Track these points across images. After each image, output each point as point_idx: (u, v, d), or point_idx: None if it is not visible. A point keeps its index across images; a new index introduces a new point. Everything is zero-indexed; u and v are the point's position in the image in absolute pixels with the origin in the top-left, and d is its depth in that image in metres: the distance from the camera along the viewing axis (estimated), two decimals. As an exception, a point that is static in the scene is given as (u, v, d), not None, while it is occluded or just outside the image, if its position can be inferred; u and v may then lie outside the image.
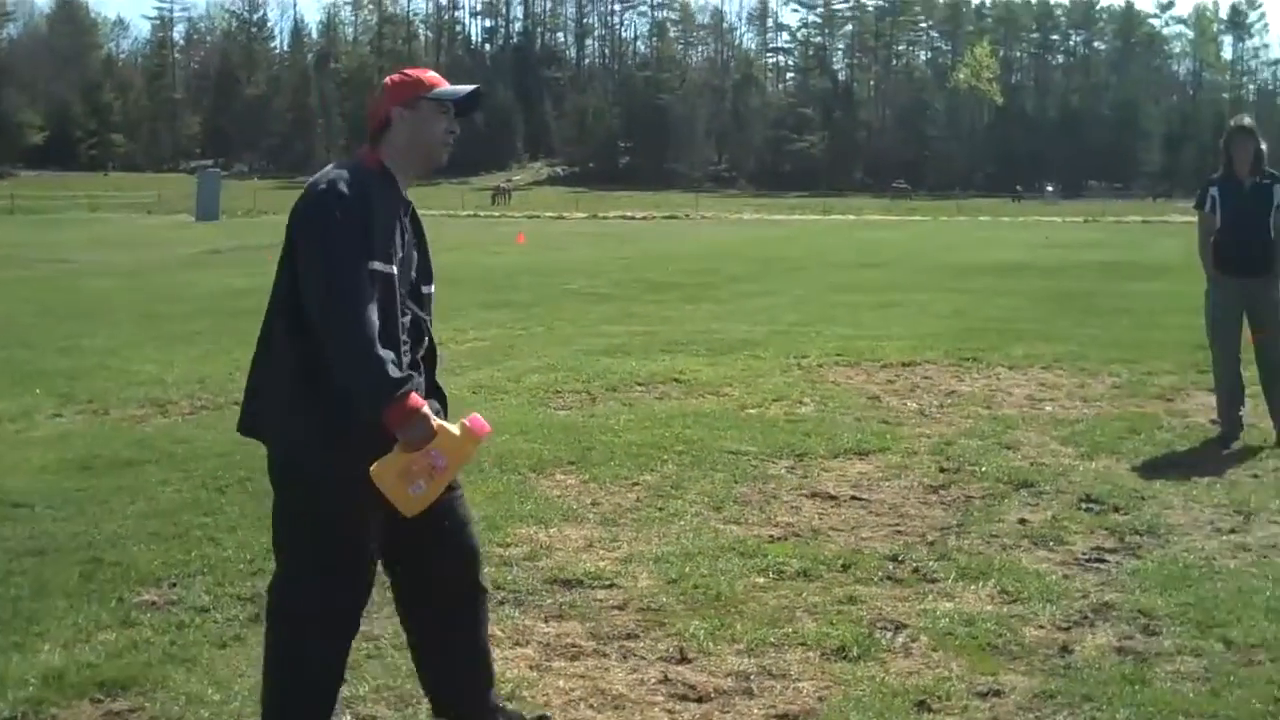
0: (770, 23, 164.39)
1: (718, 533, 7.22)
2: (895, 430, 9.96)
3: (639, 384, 12.24)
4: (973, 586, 6.29)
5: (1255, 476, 8.62)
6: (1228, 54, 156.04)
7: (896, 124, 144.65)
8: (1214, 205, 9.95)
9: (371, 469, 4.00)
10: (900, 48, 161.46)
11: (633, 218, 63.89)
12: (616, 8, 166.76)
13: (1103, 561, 6.76)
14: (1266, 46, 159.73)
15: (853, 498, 8.01)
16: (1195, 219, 10.33)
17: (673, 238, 46.51)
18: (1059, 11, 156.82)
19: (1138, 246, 38.23)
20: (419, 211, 4.42)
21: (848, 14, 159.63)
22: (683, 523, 7.41)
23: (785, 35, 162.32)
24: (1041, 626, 5.79)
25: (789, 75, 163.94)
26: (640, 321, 17.79)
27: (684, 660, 5.38)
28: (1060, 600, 6.11)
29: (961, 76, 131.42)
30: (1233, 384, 9.90)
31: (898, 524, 7.46)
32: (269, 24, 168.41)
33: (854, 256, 33.31)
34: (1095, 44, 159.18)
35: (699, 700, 5.00)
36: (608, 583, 6.36)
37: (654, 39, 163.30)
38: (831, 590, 6.21)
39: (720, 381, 12.28)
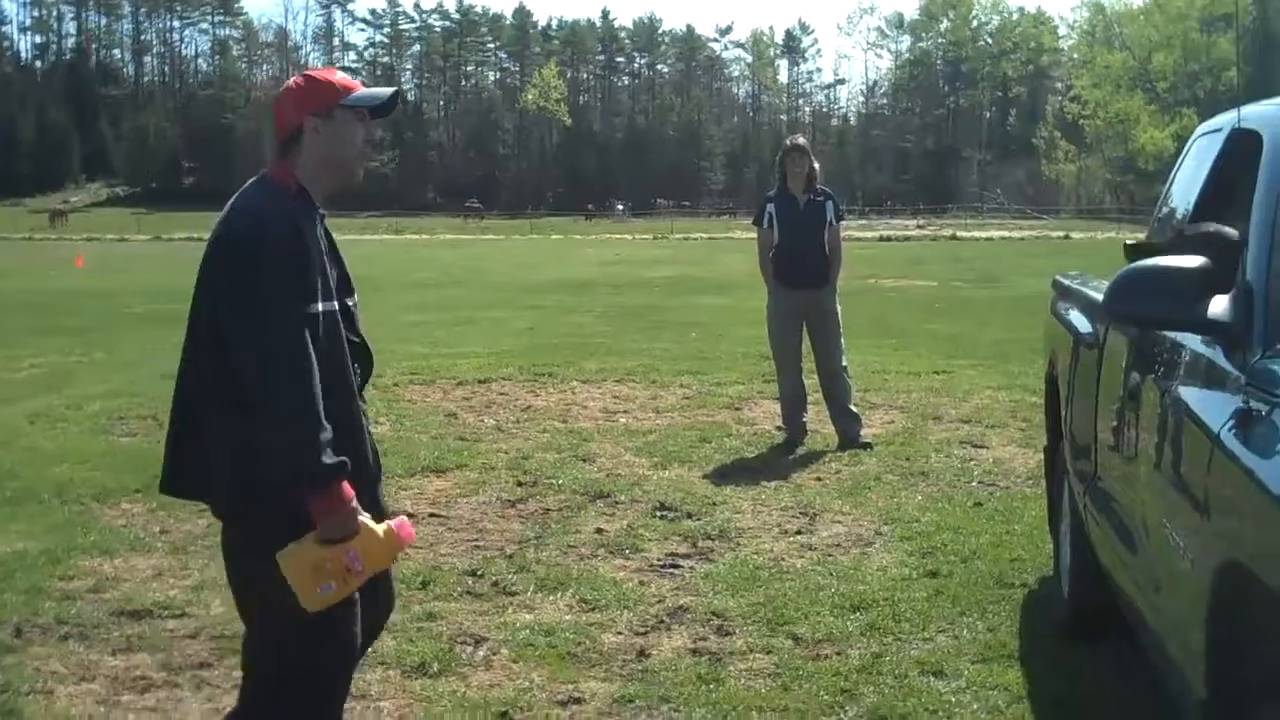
0: (337, 41, 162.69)
1: (292, 557, 7.08)
2: (473, 447, 10.00)
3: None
4: (551, 597, 6.38)
5: (819, 479, 9.04)
6: (784, 77, 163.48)
7: (467, 144, 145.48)
8: (771, 221, 10.39)
9: (279, 555, 3.58)
10: (469, 68, 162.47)
11: (199, 239, 61.80)
12: (176, 25, 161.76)
13: (677, 567, 6.96)
14: (819, 70, 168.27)
15: (431, 515, 8.00)
16: (755, 235, 10.77)
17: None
18: (623, 34, 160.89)
19: (704, 262, 39.66)
20: None
21: (415, 34, 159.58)
22: (256, 548, 7.23)
23: (352, 55, 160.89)
24: (620, 632, 5.92)
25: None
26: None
27: (261, 687, 5.26)
28: (637, 606, 6.26)
29: (530, 97, 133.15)
30: (795, 391, 10.37)
31: (476, 539, 7.49)
32: None
33: (428, 276, 33.31)
34: (659, 66, 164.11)
35: (278, 726, 4.89)
36: (179, 612, 6.16)
37: (216, 57, 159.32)
38: (411, 608, 6.17)
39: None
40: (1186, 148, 5.60)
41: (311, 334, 3.61)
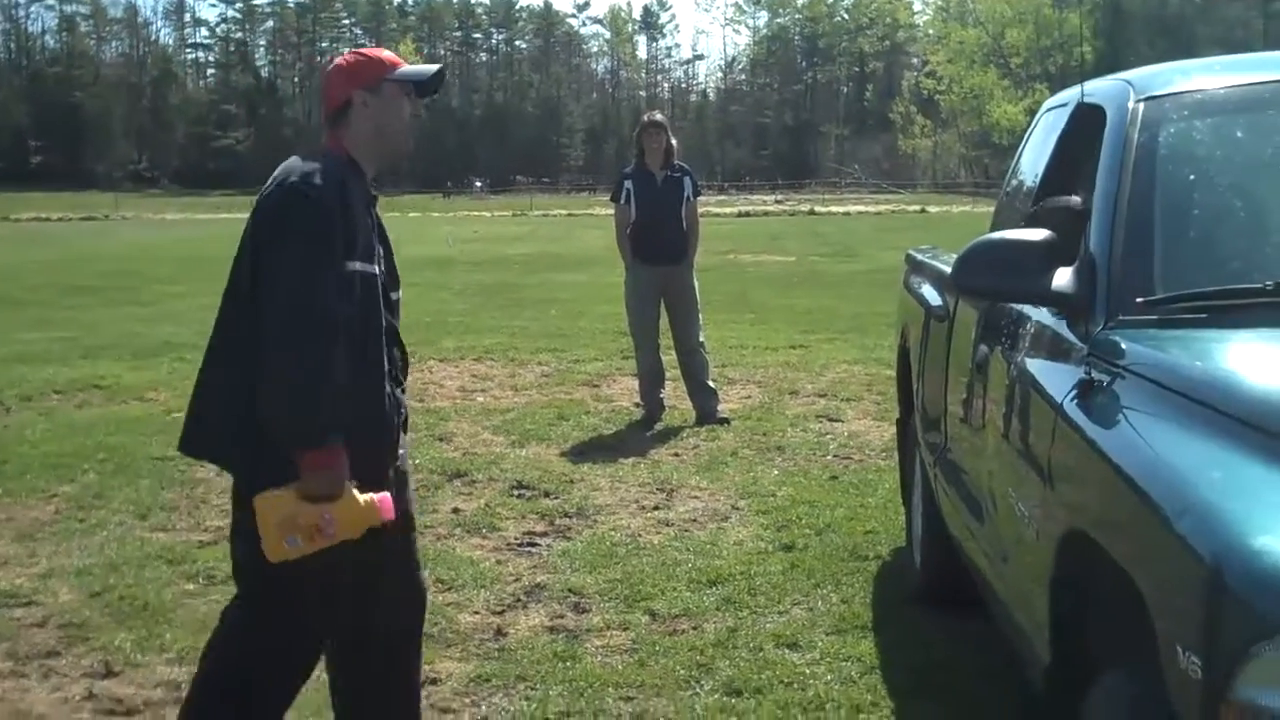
0: (188, 18, 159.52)
1: (144, 541, 6.97)
2: (325, 427, 9.86)
3: (57, 392, 11.64)
4: (408, 577, 6.32)
5: (676, 455, 9.06)
6: (643, 53, 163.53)
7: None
8: (629, 197, 10.38)
9: (256, 497, 3.57)
10: (324, 44, 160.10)
11: (47, 219, 60.58)
12: (21, 1, 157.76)
13: (534, 545, 6.95)
14: (678, 46, 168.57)
15: (285, 497, 7.88)
16: (613, 211, 10.76)
17: (92, 239, 44.45)
18: (480, 10, 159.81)
19: (563, 239, 39.58)
20: None
21: (268, 10, 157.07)
22: (106, 533, 7.11)
23: (204, 31, 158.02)
24: (476, 612, 5.89)
25: (210, 72, 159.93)
26: (59, 327, 16.84)
27: (110, 674, 5.18)
28: (494, 585, 6.24)
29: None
30: (653, 368, 10.38)
31: (331, 521, 7.39)
32: None
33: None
34: (517, 43, 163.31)
35: (127, 714, 4.84)
36: (25, 600, 6.03)
37: (64, 34, 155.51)
38: (263, 594, 6.08)
39: (145, 386, 11.84)
40: (1034, 122, 5.68)
41: (346, 292, 3.64)
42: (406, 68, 3.99)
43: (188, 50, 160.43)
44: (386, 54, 4.03)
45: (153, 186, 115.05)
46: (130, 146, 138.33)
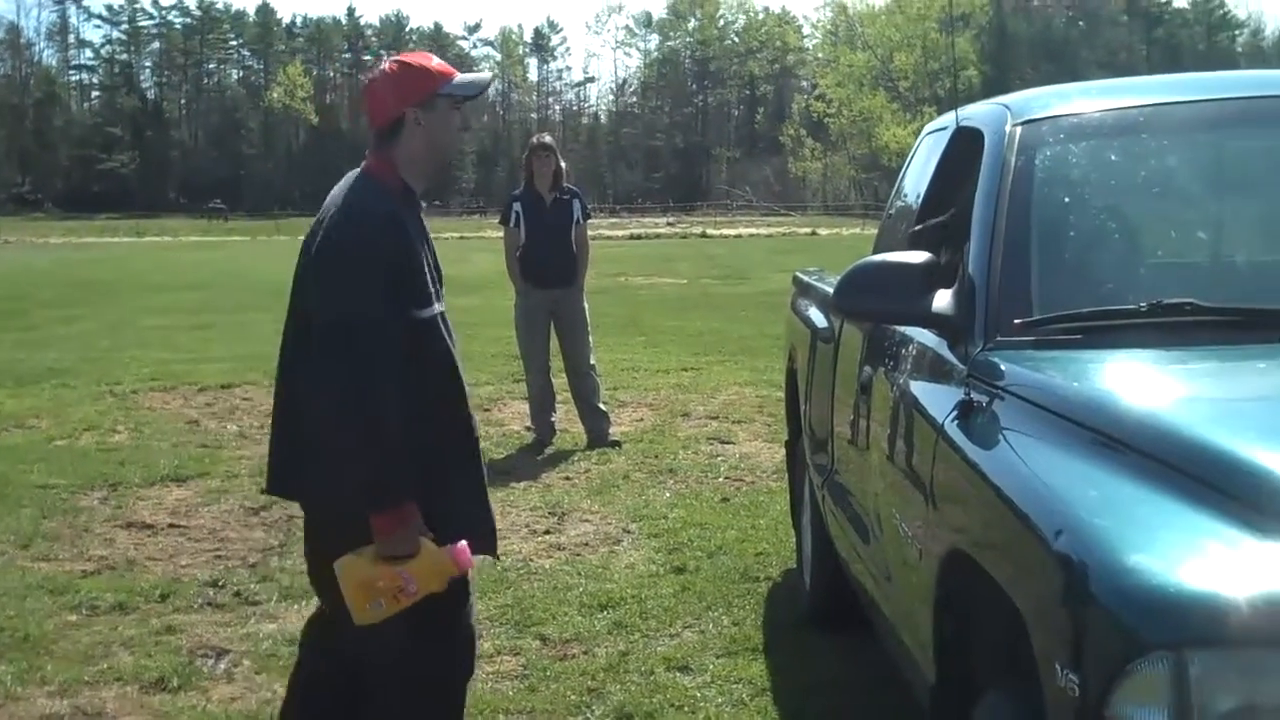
0: (72, 39, 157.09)
1: (25, 571, 6.84)
2: (215, 454, 9.76)
3: (-66, 421, 11.39)
4: (296, 606, 6.25)
5: (568, 479, 9.04)
6: (534, 75, 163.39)
7: (210, 143, 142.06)
8: (518, 220, 10.35)
9: (336, 563, 3.56)
10: (211, 66, 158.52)
11: (-71, 243, 59.47)
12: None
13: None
14: (569, 69, 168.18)
15: (171, 525, 7.79)
16: (503, 235, 10.72)
17: (-26, 264, 43.68)
18: (370, 32, 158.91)
19: (455, 262, 39.27)
20: None
21: (154, 31, 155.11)
22: (-14, 564, 6.96)
23: (89, 52, 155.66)
24: (364, 639, 5.82)
25: (95, 94, 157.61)
26: (-64, 354, 16.50)
27: (-13, 711, 5.05)
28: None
29: (275, 96, 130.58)
30: (543, 391, 10.34)
31: (218, 549, 7.32)
32: None
33: (170, 279, 32.36)
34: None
35: (5, 750, 4.72)
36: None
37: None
38: (149, 621, 6.01)
39: (26, 413, 11.61)
40: (916, 145, 5.75)
41: (419, 340, 3.62)
42: (460, 80, 3.86)
43: (71, 72, 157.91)
44: (435, 63, 3.89)
45: (36, 210, 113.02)
46: (13, 169, 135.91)
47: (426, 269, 3.73)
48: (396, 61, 3.89)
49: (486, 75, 4.05)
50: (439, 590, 3.65)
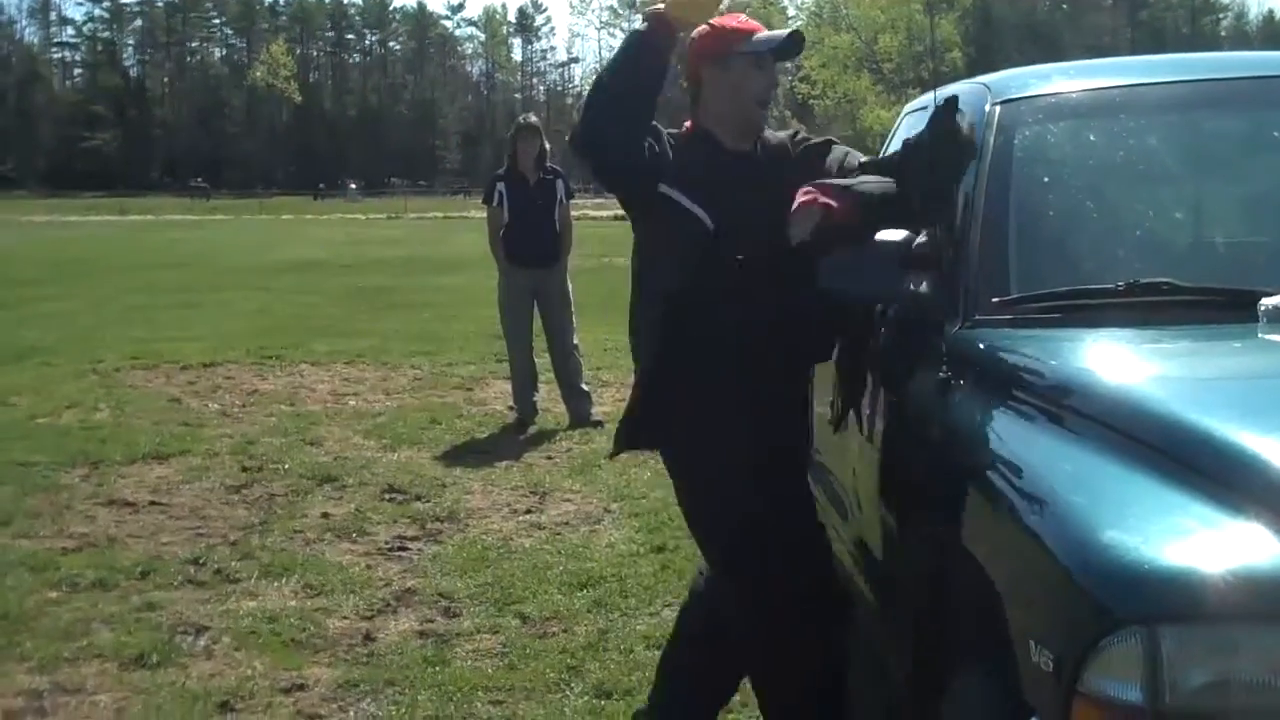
0: (54, 16, 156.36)
1: (6, 548, 6.83)
2: (196, 432, 9.76)
3: (-85, 398, 11.36)
4: (276, 583, 6.27)
5: (550, 458, 9.06)
6: (518, 55, 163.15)
7: (193, 122, 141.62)
8: (501, 200, 10.36)
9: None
10: (194, 44, 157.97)
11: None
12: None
13: (405, 549, 6.91)
14: (554, 49, 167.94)
15: (152, 503, 7.78)
16: (486, 214, 10.72)
17: (-45, 242, 43.54)
18: (353, 11, 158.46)
19: (438, 242, 39.32)
20: None
21: (137, 9, 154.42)
22: (-35, 542, 6.95)
23: (71, 30, 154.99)
24: (345, 617, 5.84)
25: (77, 72, 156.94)
26: (-84, 332, 16.45)
27: (-32, 685, 5.05)
28: (363, 590, 6.19)
29: (258, 75, 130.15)
30: (526, 370, 10.36)
31: (199, 526, 7.31)
32: None
33: (153, 257, 32.30)
34: (391, 44, 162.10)
35: (-15, 725, 4.73)
36: None
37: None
38: (129, 599, 6.01)
39: (8, 391, 11.59)
40: (896, 125, 5.76)
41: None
42: (758, 37, 3.95)
43: (54, 50, 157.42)
44: (737, 22, 4.01)
45: (18, 188, 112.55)
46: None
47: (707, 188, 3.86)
48: (708, 25, 3.99)
49: (783, 32, 4.06)
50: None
